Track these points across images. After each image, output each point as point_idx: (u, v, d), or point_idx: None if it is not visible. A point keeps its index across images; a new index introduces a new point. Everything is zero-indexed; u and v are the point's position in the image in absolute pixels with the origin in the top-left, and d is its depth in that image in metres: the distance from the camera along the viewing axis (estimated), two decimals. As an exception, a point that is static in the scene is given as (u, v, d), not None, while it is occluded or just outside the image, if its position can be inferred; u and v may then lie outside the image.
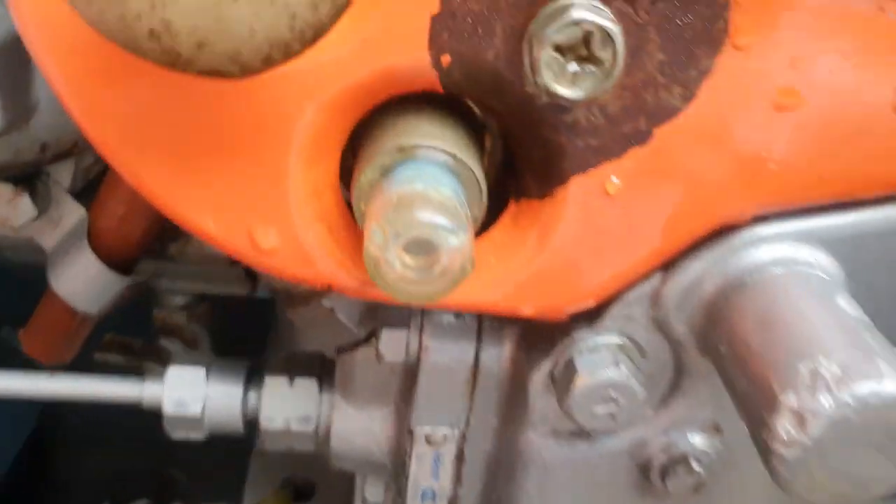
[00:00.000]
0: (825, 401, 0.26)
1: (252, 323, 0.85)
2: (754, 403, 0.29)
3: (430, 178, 0.27)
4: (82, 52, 0.28)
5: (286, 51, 0.21)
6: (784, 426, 0.26)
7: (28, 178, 0.54)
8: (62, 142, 0.48)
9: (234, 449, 0.84)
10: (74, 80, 0.28)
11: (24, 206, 0.54)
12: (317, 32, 0.21)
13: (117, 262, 0.57)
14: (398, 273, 0.26)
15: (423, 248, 0.26)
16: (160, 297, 0.81)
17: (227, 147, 0.29)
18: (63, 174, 0.56)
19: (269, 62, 0.21)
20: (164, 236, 0.64)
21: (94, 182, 0.58)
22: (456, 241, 0.26)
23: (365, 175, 0.29)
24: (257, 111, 0.28)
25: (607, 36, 0.25)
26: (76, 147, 0.50)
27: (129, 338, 0.88)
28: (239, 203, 0.31)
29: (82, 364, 0.73)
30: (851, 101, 0.29)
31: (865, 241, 0.33)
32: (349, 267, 0.32)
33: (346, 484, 0.63)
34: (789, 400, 0.26)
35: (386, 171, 0.28)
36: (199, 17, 0.20)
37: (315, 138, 0.29)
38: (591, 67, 0.26)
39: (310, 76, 0.27)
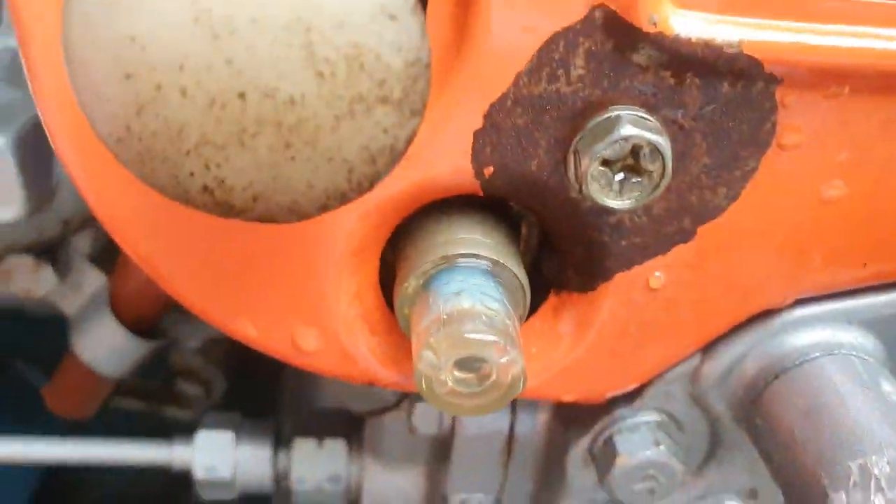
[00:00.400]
0: (878, 502, 0.26)
1: (265, 363, 0.84)
2: (803, 494, 0.29)
3: (476, 290, 0.27)
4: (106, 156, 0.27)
5: (343, 199, 0.21)
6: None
7: (48, 249, 0.54)
8: (83, 215, 0.48)
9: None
10: (100, 188, 0.28)
11: (46, 277, 0.54)
12: (373, 181, 0.21)
13: (140, 326, 0.56)
14: (450, 389, 0.26)
15: (473, 365, 0.26)
16: (176, 341, 0.80)
17: (267, 255, 0.29)
18: (83, 242, 0.55)
19: (325, 209, 0.21)
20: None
21: (114, 247, 0.58)
22: (506, 357, 0.25)
23: (409, 283, 0.28)
24: (300, 223, 0.28)
25: (656, 149, 0.25)
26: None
27: (146, 381, 0.88)
28: (280, 308, 0.30)
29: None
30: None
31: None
32: (390, 366, 0.31)
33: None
34: (841, 499, 0.26)
35: (429, 279, 0.28)
36: (255, 174, 0.20)
37: (357, 245, 0.29)
38: (638, 178, 0.26)
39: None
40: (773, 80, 0.26)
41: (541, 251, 0.34)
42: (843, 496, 0.26)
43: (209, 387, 0.86)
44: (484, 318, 0.26)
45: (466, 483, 0.43)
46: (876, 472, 0.26)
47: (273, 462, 0.52)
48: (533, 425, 0.40)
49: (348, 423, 0.52)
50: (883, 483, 0.26)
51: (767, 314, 0.32)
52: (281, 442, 0.52)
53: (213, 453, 0.51)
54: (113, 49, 0.18)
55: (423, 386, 0.26)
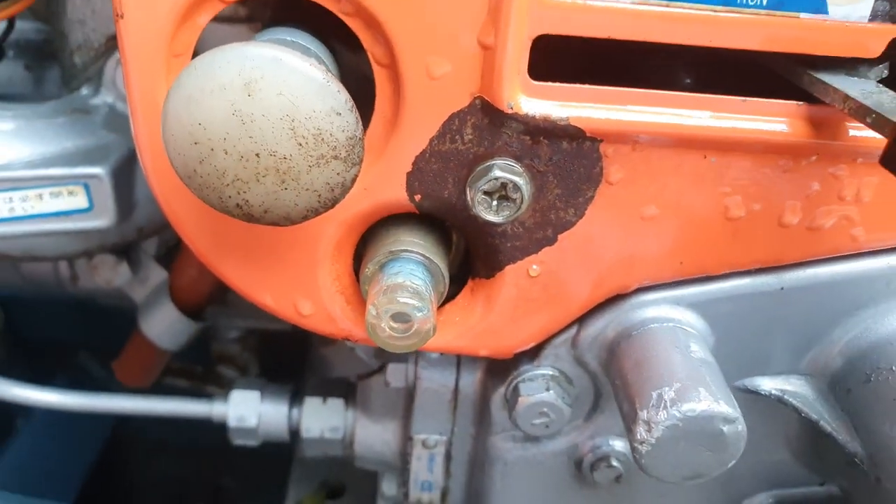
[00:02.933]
0: (663, 415, 0.39)
1: (292, 352, 0.99)
2: (627, 417, 0.42)
3: (409, 273, 0.41)
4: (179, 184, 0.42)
5: (316, 213, 0.35)
6: (640, 431, 0.39)
7: (125, 249, 0.70)
8: (153, 225, 0.63)
9: (276, 461, 0.98)
10: (174, 203, 0.43)
11: (123, 271, 0.70)
12: (334, 203, 0.35)
13: (191, 310, 0.72)
14: (387, 334, 0.40)
15: (401, 318, 0.39)
16: (217, 332, 0.96)
17: (280, 251, 0.44)
18: (150, 245, 0.71)
19: (306, 219, 0.35)
20: (224, 287, 0.79)
21: (173, 249, 0.73)
22: (422, 314, 0.39)
23: (368, 269, 0.42)
24: (300, 228, 0.42)
25: (516, 185, 0.39)
26: (163, 227, 0.65)
27: (192, 365, 1.03)
28: (287, 286, 0.45)
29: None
30: (696, 214, 0.42)
31: (721, 302, 0.46)
32: (359, 324, 0.45)
33: (369, 485, 0.77)
34: (642, 414, 0.39)
35: (381, 267, 0.42)
36: (265, 198, 0.34)
37: (336, 244, 0.43)
38: (507, 203, 0.40)
39: (333, 212, 0.41)
40: (595, 139, 0.39)
41: (466, 252, 0.48)
42: (645, 413, 0.39)
43: (244, 370, 1.01)
44: (410, 289, 0.40)
45: (425, 426, 0.56)
46: (666, 397, 0.39)
47: (289, 415, 0.66)
48: (471, 381, 0.53)
49: (346, 387, 0.67)
50: (669, 404, 0.39)
51: (619, 297, 0.46)
52: (295, 401, 0.67)
53: (243, 407, 0.66)
54: (188, 127, 0.33)
55: (370, 331, 0.40)
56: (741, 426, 0.39)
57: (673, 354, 0.42)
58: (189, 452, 1.33)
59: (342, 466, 0.90)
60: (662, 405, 0.39)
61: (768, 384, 0.48)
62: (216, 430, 0.70)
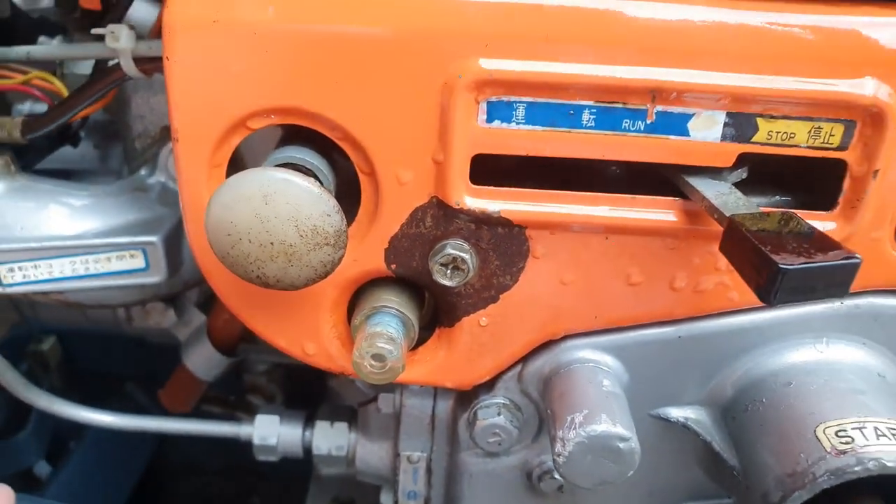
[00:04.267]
0: (573, 434, 0.50)
1: (312, 384, 1.12)
2: (551, 436, 0.53)
3: (386, 323, 0.53)
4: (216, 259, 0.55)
5: (314, 282, 0.48)
6: (558, 447, 0.51)
7: (173, 298, 0.83)
8: (195, 280, 0.77)
9: (297, 482, 1.09)
10: (213, 271, 0.56)
11: (170, 315, 0.83)
12: (327, 274, 0.47)
13: (224, 348, 0.85)
14: (367, 370, 0.52)
15: (379, 358, 0.52)
16: (248, 365, 1.09)
17: (290, 306, 0.56)
18: (192, 294, 0.85)
19: (307, 286, 0.48)
20: (252, 328, 0.92)
21: (210, 298, 0.87)
22: (393, 356, 0.51)
23: (356, 320, 0.55)
24: (306, 290, 0.55)
25: (464, 259, 0.51)
26: (202, 281, 0.79)
27: (225, 394, 1.16)
28: (296, 332, 0.57)
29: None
30: (604, 280, 0.54)
31: (632, 347, 0.57)
32: (351, 363, 0.58)
33: (374, 499, 0.88)
34: (559, 434, 0.51)
35: (366, 318, 0.54)
36: (277, 272, 0.47)
37: (334, 301, 0.56)
38: (458, 272, 0.52)
39: (331, 277, 0.54)
40: (522, 227, 0.52)
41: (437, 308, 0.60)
42: (561, 432, 0.51)
43: (271, 399, 1.13)
44: (386, 337, 0.52)
45: (410, 444, 0.68)
46: (577, 420, 0.51)
47: (302, 436, 0.78)
48: (444, 407, 0.65)
49: (350, 413, 0.78)
50: (578, 425, 0.50)
51: (552, 342, 0.57)
52: (308, 424, 0.79)
53: (266, 429, 0.78)
54: (224, 224, 0.46)
55: (355, 368, 0.52)
56: (634, 444, 0.50)
57: (587, 388, 0.54)
58: (221, 474, 1.46)
59: (352, 484, 1.02)
60: (573, 426, 0.50)
61: (675, 413, 0.59)
62: (245, 454, 0.83)
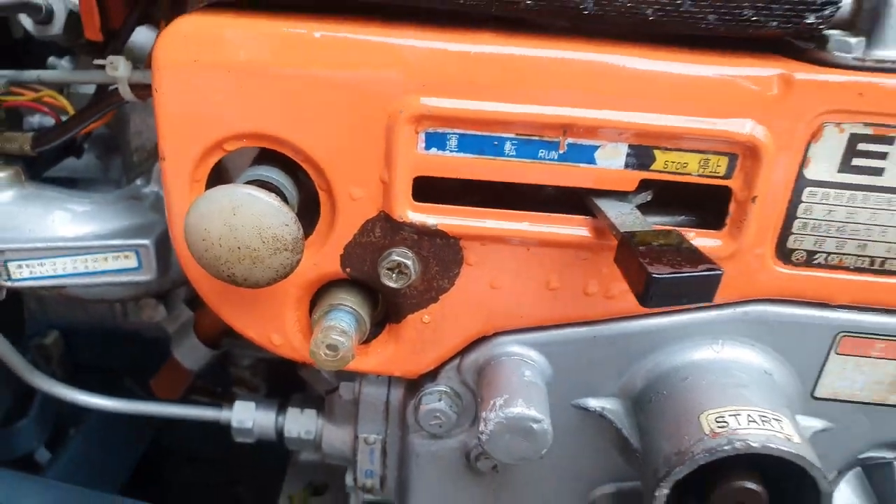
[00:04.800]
0: (493, 415, 0.58)
1: (293, 376, 1.19)
2: (478, 418, 0.60)
3: (339, 318, 0.61)
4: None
5: (276, 281, 0.55)
6: (482, 427, 0.58)
7: (163, 295, 0.91)
8: (182, 279, 0.84)
9: (279, 473, 1.16)
10: (193, 271, 0.63)
11: (161, 311, 0.91)
12: (287, 275, 0.55)
13: (209, 341, 0.93)
14: (322, 358, 0.60)
15: (332, 348, 0.59)
16: (234, 360, 1.16)
17: (259, 302, 0.64)
18: (181, 292, 0.93)
19: (269, 284, 0.56)
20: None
21: (197, 295, 0.94)
22: (345, 347, 0.59)
23: (315, 315, 0.63)
24: (273, 288, 0.63)
25: (407, 264, 0.59)
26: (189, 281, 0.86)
27: (214, 386, 1.24)
28: (264, 325, 0.65)
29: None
30: (527, 285, 0.62)
31: (554, 345, 0.65)
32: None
33: (344, 485, 0.96)
34: (483, 415, 0.58)
35: (324, 314, 0.62)
36: (244, 272, 0.55)
37: (297, 299, 0.64)
38: (402, 275, 0.60)
39: (294, 278, 0.61)
40: (456, 238, 0.59)
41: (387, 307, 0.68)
42: (485, 414, 0.58)
43: (255, 391, 1.21)
44: (339, 330, 0.60)
45: (367, 428, 0.75)
46: (497, 404, 0.58)
47: (276, 421, 0.86)
48: (396, 395, 0.73)
49: (318, 401, 0.86)
50: (498, 408, 0.58)
51: (485, 337, 0.65)
52: (281, 410, 0.87)
53: (243, 414, 0.86)
54: (200, 232, 0.54)
55: (312, 356, 0.60)
56: (546, 426, 0.58)
57: (511, 377, 0.61)
58: (212, 464, 1.53)
59: (325, 470, 1.09)
60: (494, 409, 0.58)
61: (594, 403, 0.66)
62: (235, 446, 0.90)
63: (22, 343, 1.32)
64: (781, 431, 0.55)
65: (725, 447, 0.54)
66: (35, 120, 0.99)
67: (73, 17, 0.84)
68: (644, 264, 0.48)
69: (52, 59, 0.97)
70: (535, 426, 0.58)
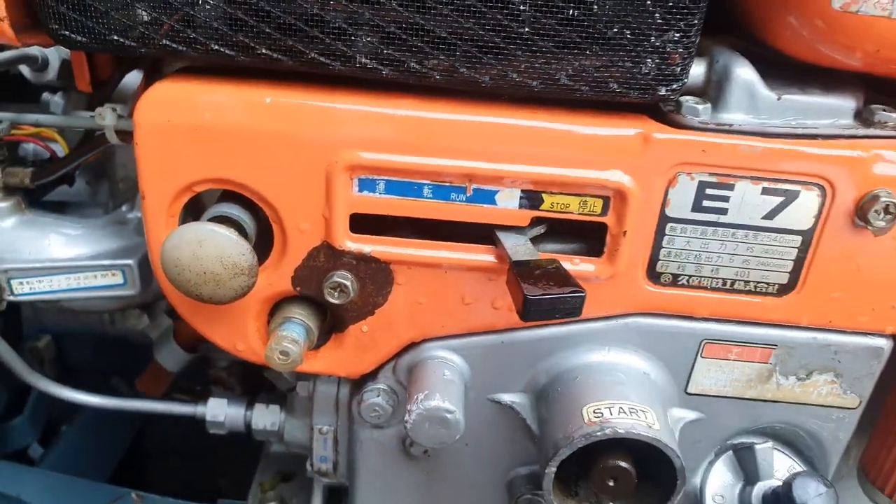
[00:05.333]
0: (415, 407, 0.70)
1: (265, 378, 1.30)
2: (406, 410, 0.72)
3: (291, 329, 0.73)
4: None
5: (236, 299, 0.67)
6: (406, 417, 0.70)
7: (146, 306, 1.02)
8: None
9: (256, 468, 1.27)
10: (168, 288, 0.75)
11: (144, 319, 1.02)
12: (244, 294, 0.67)
13: (187, 346, 1.04)
14: (276, 362, 0.71)
15: (284, 353, 0.71)
16: (212, 361, 1.27)
17: (225, 314, 0.76)
18: (162, 303, 1.04)
19: (231, 302, 0.67)
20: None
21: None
22: (296, 353, 0.71)
23: (272, 325, 0.74)
24: (236, 304, 0.74)
25: (347, 285, 0.71)
26: (170, 292, 0.98)
27: (194, 386, 1.35)
28: (229, 333, 0.77)
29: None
30: (446, 301, 0.74)
31: (471, 348, 0.77)
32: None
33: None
34: (408, 407, 0.70)
35: (278, 325, 0.74)
36: (209, 291, 0.66)
37: (256, 312, 0.75)
38: (343, 293, 0.72)
39: (254, 293, 0.73)
40: (387, 263, 0.71)
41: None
42: (409, 406, 0.70)
43: (231, 390, 1.32)
44: (290, 339, 0.71)
45: (321, 420, 0.87)
46: (419, 397, 0.70)
47: (245, 415, 0.97)
48: (345, 391, 0.85)
49: (281, 398, 0.98)
50: (419, 401, 0.70)
51: (414, 343, 0.77)
52: (249, 406, 0.98)
53: (216, 409, 0.97)
54: (173, 260, 0.65)
55: (268, 360, 0.71)
56: (459, 416, 0.70)
57: (433, 376, 0.73)
58: (195, 458, 1.64)
59: (294, 460, 1.21)
60: (416, 402, 0.70)
61: (506, 398, 0.79)
62: (216, 442, 1.01)
63: (18, 347, 1.42)
64: (645, 420, 0.67)
65: (598, 433, 0.66)
66: (30, 147, 1.10)
67: (66, 65, 0.95)
68: (522, 287, 0.61)
69: (45, 95, 1.08)
70: (448, 416, 0.70)
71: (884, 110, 0.68)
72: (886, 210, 0.66)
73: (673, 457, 0.67)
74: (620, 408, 0.68)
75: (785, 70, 0.69)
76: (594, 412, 0.68)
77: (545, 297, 0.60)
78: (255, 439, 1.00)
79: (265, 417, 0.95)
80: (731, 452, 0.83)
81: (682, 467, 0.67)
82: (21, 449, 1.48)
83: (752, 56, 0.68)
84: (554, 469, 0.68)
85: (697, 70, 0.68)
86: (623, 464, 0.68)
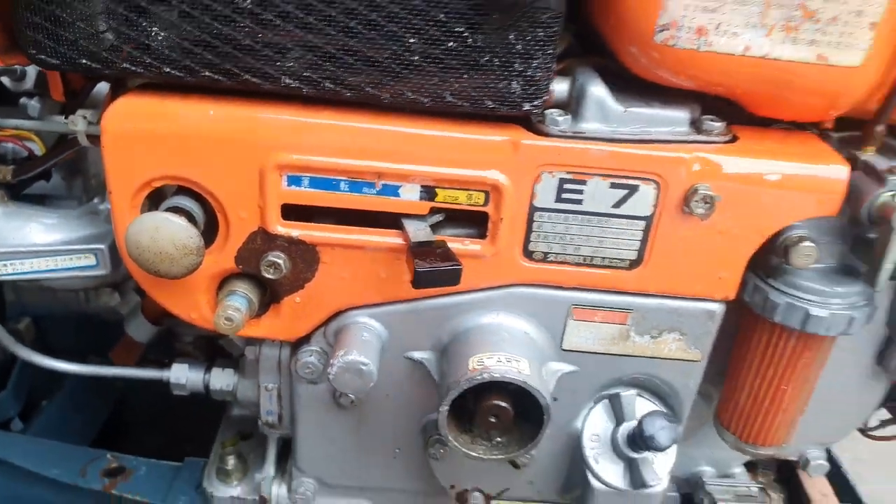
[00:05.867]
0: (336, 360, 0.85)
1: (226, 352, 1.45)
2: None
3: (237, 300, 0.87)
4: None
5: (187, 274, 0.81)
6: (330, 369, 0.85)
7: (117, 285, 1.16)
8: (131, 272, 1.10)
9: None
10: (133, 268, 0.89)
11: (115, 297, 1.16)
12: (194, 270, 0.81)
13: (154, 320, 1.18)
14: (222, 326, 0.86)
15: (229, 320, 0.86)
16: (178, 336, 1.41)
17: (182, 289, 0.90)
18: (131, 283, 1.18)
19: (184, 276, 0.82)
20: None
21: (144, 285, 1.20)
22: (238, 319, 0.85)
23: (220, 297, 0.89)
24: (189, 279, 0.88)
25: (280, 263, 0.86)
26: (137, 273, 1.11)
27: (162, 358, 1.49)
28: (185, 304, 0.91)
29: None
30: (365, 276, 0.89)
31: (386, 315, 0.92)
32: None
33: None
34: (331, 361, 0.85)
35: (225, 297, 0.88)
36: (164, 267, 0.81)
37: (206, 286, 0.90)
38: (277, 270, 0.86)
39: (203, 270, 0.87)
40: (314, 245, 0.86)
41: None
42: (332, 360, 0.85)
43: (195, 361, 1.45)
44: (234, 308, 0.86)
45: (267, 378, 1.02)
46: (339, 353, 0.85)
47: (203, 378, 1.12)
48: (286, 353, 1.00)
49: (235, 362, 1.13)
50: (341, 356, 0.85)
51: (341, 311, 0.92)
52: (207, 370, 1.13)
53: (178, 373, 1.11)
54: (134, 242, 0.79)
55: (216, 325, 0.86)
56: (372, 367, 0.85)
57: (353, 338, 0.89)
58: (166, 427, 1.77)
59: (252, 422, 1.35)
60: (338, 357, 0.86)
61: (417, 355, 0.94)
62: (184, 413, 1.15)
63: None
64: (517, 368, 0.83)
65: (478, 377, 0.82)
66: (9, 146, 1.22)
67: (42, 75, 1.08)
68: (415, 262, 0.76)
69: (24, 100, 1.21)
70: (363, 368, 0.85)
71: (712, 120, 0.85)
72: (705, 200, 0.82)
73: (538, 396, 0.83)
74: (499, 358, 0.84)
75: (636, 87, 0.85)
76: (478, 362, 0.84)
77: (430, 270, 0.76)
78: (217, 402, 1.15)
79: (221, 379, 1.10)
80: (605, 400, 1.00)
81: (548, 405, 0.84)
82: (4, 422, 1.60)
83: (613, 75, 0.84)
84: (446, 409, 0.84)
85: (562, 87, 0.84)
86: (500, 403, 0.84)
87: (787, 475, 1.27)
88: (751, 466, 1.27)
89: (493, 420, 0.85)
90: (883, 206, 0.80)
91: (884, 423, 1.16)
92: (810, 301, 0.86)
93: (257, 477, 1.15)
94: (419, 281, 0.75)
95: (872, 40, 0.76)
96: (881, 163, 0.83)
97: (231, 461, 1.17)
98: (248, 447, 1.27)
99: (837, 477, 1.36)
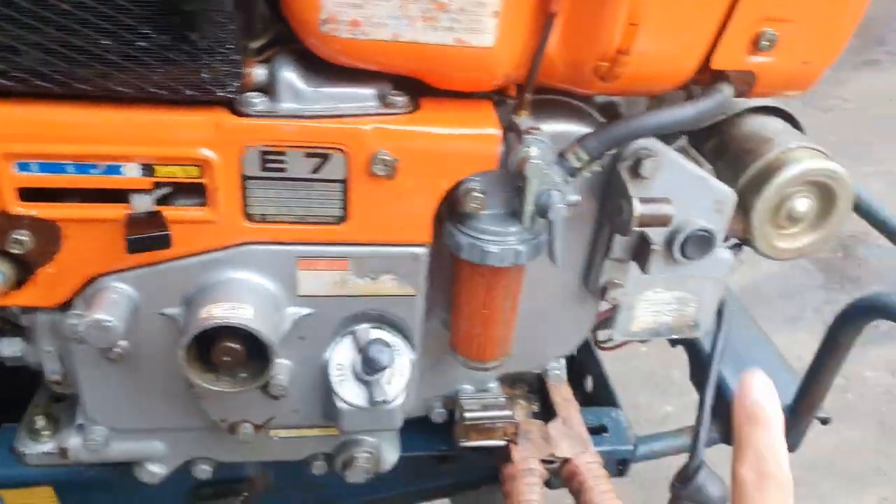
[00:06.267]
0: (86, 318, 0.98)
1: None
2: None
3: (-12, 274, 0.98)
4: None
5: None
6: (81, 328, 0.98)
7: None
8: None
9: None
10: None
11: None
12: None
13: None
14: (-22, 299, 0.97)
15: (-18, 292, 0.97)
16: None
17: None
18: None
19: None
20: None
21: None
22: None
23: None
24: None
25: (22, 240, 0.97)
26: None
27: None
28: None
29: None
30: (101, 246, 1.01)
31: (134, 279, 1.06)
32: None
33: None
34: (81, 321, 0.98)
35: None
36: None
37: None
38: (21, 245, 0.98)
39: None
40: (53, 221, 0.98)
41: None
42: (83, 318, 0.98)
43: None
44: (-14, 281, 0.97)
45: (44, 342, 1.13)
46: (86, 312, 0.98)
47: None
48: (59, 318, 1.12)
49: (23, 331, 1.23)
50: (88, 315, 0.98)
51: (94, 278, 1.05)
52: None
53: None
54: None
55: None
56: (116, 323, 0.98)
57: (103, 299, 1.02)
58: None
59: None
60: (85, 314, 0.98)
61: (169, 311, 1.08)
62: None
63: None
64: (242, 314, 0.99)
65: (204, 324, 0.97)
66: None
67: None
68: (128, 229, 0.90)
69: None
70: (107, 324, 0.99)
71: (396, 95, 1.01)
72: (384, 163, 0.99)
73: (259, 335, 0.99)
74: (225, 307, 1.00)
75: (334, 70, 1.00)
76: (206, 311, 0.99)
77: (139, 238, 0.90)
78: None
79: (9, 347, 1.21)
80: (350, 335, 1.18)
81: (271, 341, 1.00)
82: None
83: (319, 61, 0.98)
84: (182, 352, 0.99)
85: (262, 73, 0.98)
86: (230, 344, 1.00)
87: (538, 386, 1.51)
88: (511, 383, 1.51)
89: (227, 359, 1.01)
90: (521, 160, 0.99)
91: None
92: (486, 240, 1.05)
93: (65, 433, 1.27)
94: (130, 247, 0.89)
95: (497, 26, 0.93)
96: (525, 124, 1.02)
97: (40, 421, 1.28)
98: (59, 409, 1.38)
99: (604, 388, 1.62)
